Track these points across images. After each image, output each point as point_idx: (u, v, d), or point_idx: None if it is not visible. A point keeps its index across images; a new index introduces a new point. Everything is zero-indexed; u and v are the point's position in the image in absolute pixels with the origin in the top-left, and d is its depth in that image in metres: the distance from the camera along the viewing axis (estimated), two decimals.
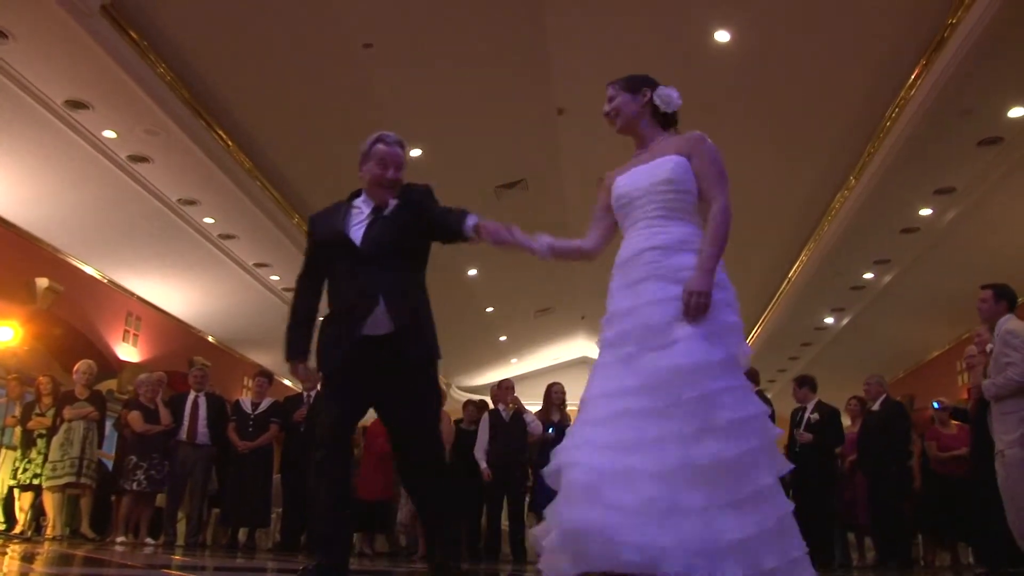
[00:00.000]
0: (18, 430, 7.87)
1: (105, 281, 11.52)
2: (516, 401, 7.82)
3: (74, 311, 10.84)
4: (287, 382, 15.54)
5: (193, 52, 7.89)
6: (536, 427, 7.62)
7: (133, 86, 7.53)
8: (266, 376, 8.49)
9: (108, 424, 8.49)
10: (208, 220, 10.37)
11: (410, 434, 3.31)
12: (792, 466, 2.62)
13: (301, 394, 8.15)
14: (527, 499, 7.75)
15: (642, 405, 2.43)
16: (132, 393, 8.30)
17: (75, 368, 7.94)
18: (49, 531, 7.43)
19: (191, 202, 9.86)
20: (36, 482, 7.53)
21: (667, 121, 2.91)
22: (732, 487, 2.32)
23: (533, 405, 8.10)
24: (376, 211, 3.26)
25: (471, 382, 20.38)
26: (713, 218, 2.63)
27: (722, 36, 7.82)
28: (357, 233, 3.23)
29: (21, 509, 7.77)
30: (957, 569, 7.67)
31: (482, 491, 7.57)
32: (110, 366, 11.34)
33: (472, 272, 13.93)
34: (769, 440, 2.49)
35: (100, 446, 7.94)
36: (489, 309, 16.27)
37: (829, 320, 13.44)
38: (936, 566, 8.01)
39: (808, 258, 11.50)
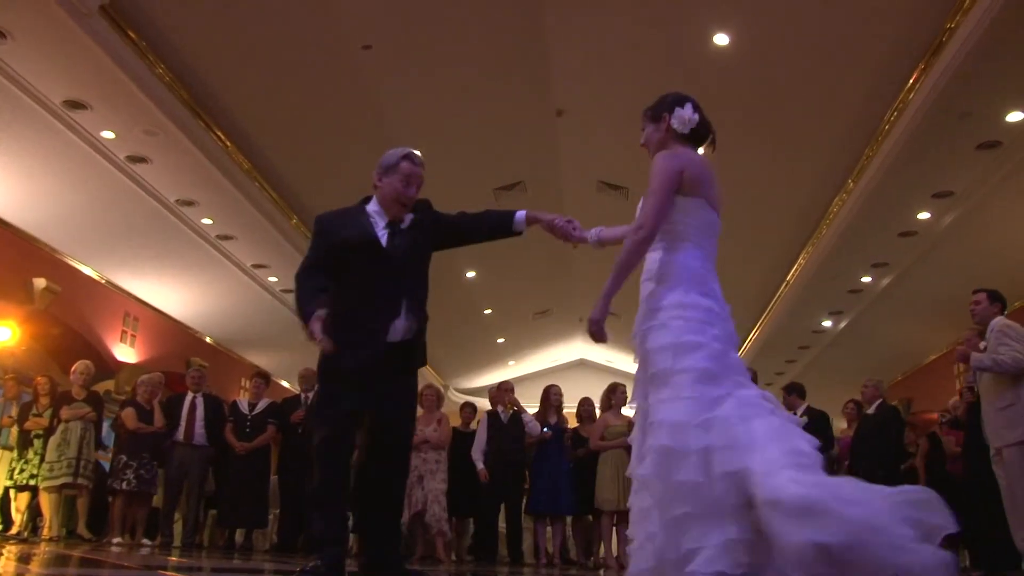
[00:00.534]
0: (15, 430, 7.86)
1: (103, 281, 11.51)
2: (515, 402, 7.83)
3: (72, 311, 10.82)
4: (284, 383, 15.55)
5: (192, 53, 7.89)
6: (534, 427, 7.64)
7: (132, 86, 7.52)
8: (263, 377, 8.48)
9: (107, 425, 8.47)
10: (206, 221, 10.36)
11: (391, 436, 3.34)
12: None
13: (299, 395, 8.16)
14: (524, 501, 7.75)
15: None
16: (130, 393, 8.29)
17: (72, 368, 7.93)
18: (46, 532, 7.42)
19: (189, 203, 9.85)
20: (33, 483, 7.52)
21: (696, 138, 2.84)
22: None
23: (530, 407, 8.11)
24: (392, 224, 3.32)
25: (469, 384, 20.36)
26: (624, 248, 2.72)
27: (721, 39, 7.83)
28: (383, 241, 3.29)
29: (18, 510, 7.75)
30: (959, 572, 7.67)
31: (480, 492, 7.57)
32: (107, 367, 11.32)
33: (470, 274, 13.93)
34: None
35: (97, 447, 7.93)
36: (487, 311, 16.27)
37: (827, 323, 13.45)
38: None
39: (806, 261, 11.50)
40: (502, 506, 7.65)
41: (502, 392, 7.89)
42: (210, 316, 13.53)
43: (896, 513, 2.13)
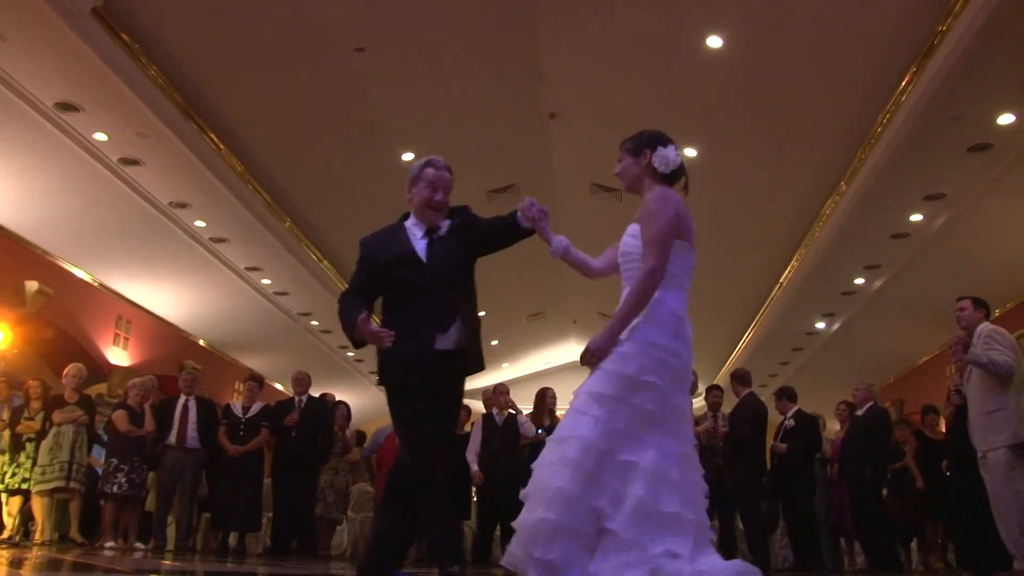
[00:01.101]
0: (6, 434, 7.81)
1: (95, 284, 11.47)
2: (511, 404, 7.84)
3: (64, 314, 10.79)
4: (278, 386, 15.52)
5: (185, 55, 7.87)
6: (528, 428, 7.66)
7: (124, 89, 7.50)
8: (257, 380, 8.46)
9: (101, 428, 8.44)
10: (199, 223, 10.34)
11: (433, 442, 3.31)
12: None
13: (292, 398, 8.14)
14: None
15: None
16: (122, 396, 8.27)
17: (65, 372, 7.90)
18: (37, 536, 7.39)
19: (182, 205, 9.82)
20: (25, 486, 7.49)
21: (670, 179, 3.00)
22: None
23: (524, 409, 8.11)
24: (429, 232, 3.37)
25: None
26: (637, 282, 2.80)
27: (714, 41, 7.85)
28: (421, 253, 3.33)
29: (9, 514, 7.72)
30: (948, 572, 7.71)
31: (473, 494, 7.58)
32: (100, 370, 11.29)
33: None
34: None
35: (90, 451, 7.90)
36: (481, 313, 16.16)
37: (820, 325, 13.48)
38: (932, 569, 8.04)
39: (799, 263, 11.53)
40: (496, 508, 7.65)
41: (497, 395, 7.89)
42: (203, 319, 13.50)
43: None
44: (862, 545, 7.92)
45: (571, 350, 20.44)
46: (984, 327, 5.40)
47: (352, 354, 16.04)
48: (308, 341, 14.69)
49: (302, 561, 6.81)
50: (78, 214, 9.72)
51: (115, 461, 7.43)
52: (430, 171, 3.39)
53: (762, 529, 7.56)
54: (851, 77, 7.93)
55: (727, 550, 7.07)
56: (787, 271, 12.04)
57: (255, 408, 7.98)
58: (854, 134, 8.58)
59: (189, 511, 7.83)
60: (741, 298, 13.27)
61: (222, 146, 9.06)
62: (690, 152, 9.27)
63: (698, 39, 7.88)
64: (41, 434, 7.58)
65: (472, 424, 8.06)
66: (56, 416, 7.53)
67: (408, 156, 9.64)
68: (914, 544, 8.46)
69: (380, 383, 3.38)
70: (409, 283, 3.29)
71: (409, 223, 3.43)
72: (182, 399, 7.91)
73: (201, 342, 14.34)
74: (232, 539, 8.03)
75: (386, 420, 8.90)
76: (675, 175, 3.01)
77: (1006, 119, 7.46)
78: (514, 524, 2.72)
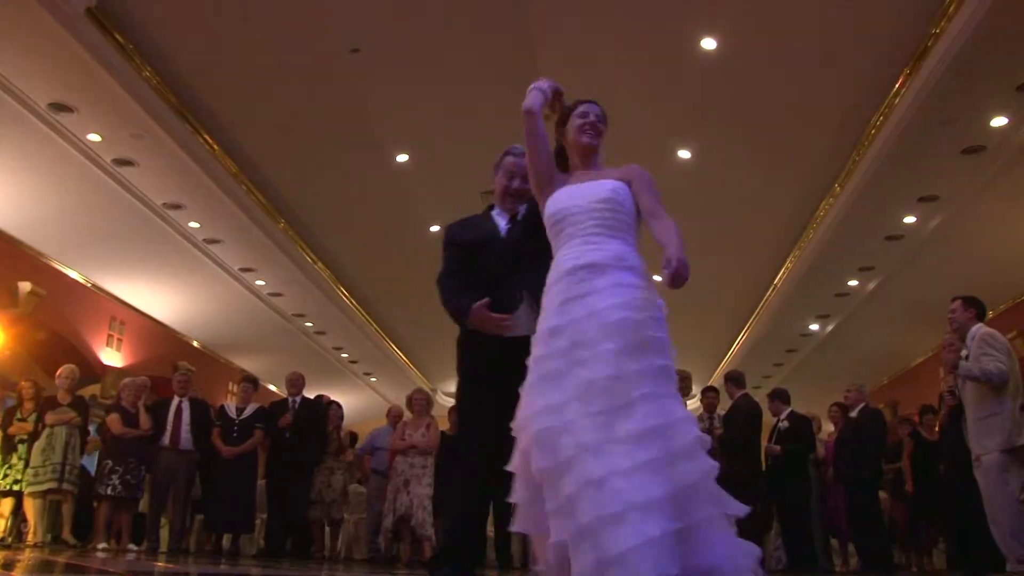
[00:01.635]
0: None
1: (89, 285, 11.44)
2: None
3: (57, 315, 10.75)
4: (272, 387, 15.48)
5: (179, 55, 7.85)
6: None
7: (118, 89, 7.48)
8: (251, 381, 8.44)
9: (94, 429, 8.41)
10: (193, 224, 10.32)
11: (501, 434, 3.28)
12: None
13: (286, 399, 8.13)
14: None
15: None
16: (115, 398, 8.25)
17: (57, 373, 7.87)
18: (30, 538, 7.36)
19: (176, 206, 9.80)
20: (17, 488, 7.45)
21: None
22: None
23: None
24: (511, 219, 3.43)
25: None
26: (670, 223, 2.62)
27: (709, 44, 7.86)
28: (503, 235, 3.40)
29: (1, 515, 7.67)
30: (937, 574, 7.73)
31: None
32: (93, 371, 11.25)
33: None
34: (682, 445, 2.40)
35: (83, 452, 7.87)
36: None
37: (814, 326, 13.51)
38: (925, 571, 8.06)
39: (793, 265, 11.55)
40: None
41: None
42: (197, 320, 13.47)
43: None
44: (856, 546, 7.93)
45: None
46: (977, 331, 5.35)
47: (346, 355, 16.03)
48: (302, 342, 14.67)
49: (296, 563, 6.80)
50: (71, 215, 9.69)
51: (110, 463, 7.41)
52: (509, 159, 3.47)
53: (756, 530, 7.57)
54: (845, 79, 7.95)
55: None
56: (781, 272, 12.06)
57: (249, 409, 7.97)
58: (848, 136, 8.60)
59: (183, 513, 7.81)
60: (735, 299, 13.27)
61: (216, 147, 9.05)
62: (684, 154, 9.27)
63: (693, 41, 7.88)
64: (34, 435, 7.54)
65: None
66: (49, 417, 7.50)
67: (403, 157, 9.63)
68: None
69: (461, 372, 3.37)
70: (488, 265, 3.33)
71: (494, 212, 3.51)
72: (176, 400, 7.89)
73: (195, 343, 14.32)
74: (226, 541, 8.02)
75: (381, 421, 8.96)
76: None
77: (999, 121, 7.49)
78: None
